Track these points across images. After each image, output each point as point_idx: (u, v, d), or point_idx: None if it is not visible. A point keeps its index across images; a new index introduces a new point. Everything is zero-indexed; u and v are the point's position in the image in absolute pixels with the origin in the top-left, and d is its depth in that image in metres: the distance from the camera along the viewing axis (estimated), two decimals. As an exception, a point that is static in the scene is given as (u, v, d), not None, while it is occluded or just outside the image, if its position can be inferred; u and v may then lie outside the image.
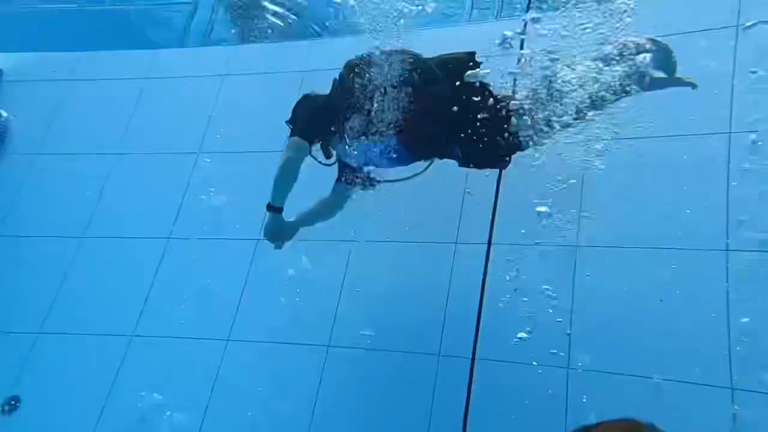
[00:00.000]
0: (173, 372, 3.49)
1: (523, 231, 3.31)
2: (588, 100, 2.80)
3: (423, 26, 3.53)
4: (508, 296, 3.11)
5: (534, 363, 3.02)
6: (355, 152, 2.94)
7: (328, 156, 3.00)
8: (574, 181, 3.30)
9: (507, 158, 2.97)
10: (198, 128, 4.21)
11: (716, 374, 2.73)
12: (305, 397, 3.28)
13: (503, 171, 2.93)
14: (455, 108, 2.82)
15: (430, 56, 2.94)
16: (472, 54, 2.91)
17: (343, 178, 3.10)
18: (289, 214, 3.07)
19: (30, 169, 4.41)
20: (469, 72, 2.83)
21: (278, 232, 3.00)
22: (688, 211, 3.08)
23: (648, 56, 2.75)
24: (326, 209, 3.16)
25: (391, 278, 3.47)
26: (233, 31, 5.11)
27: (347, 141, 2.91)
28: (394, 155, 2.92)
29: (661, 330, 2.90)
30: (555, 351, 3.00)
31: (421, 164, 3.05)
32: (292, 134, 2.95)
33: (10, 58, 4.94)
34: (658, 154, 3.27)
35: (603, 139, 3.35)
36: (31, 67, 4.88)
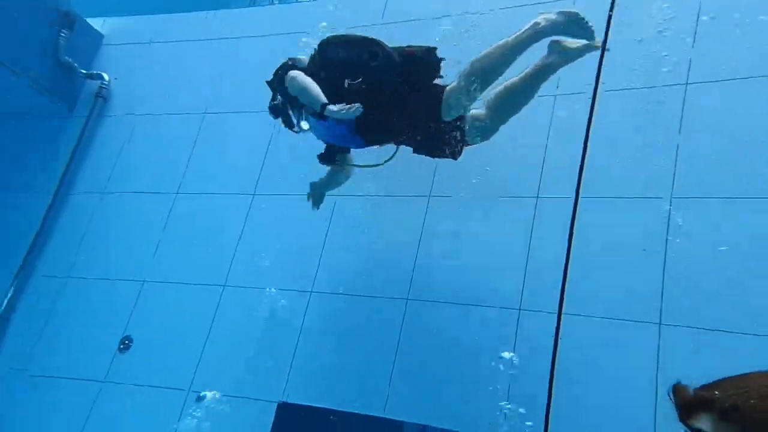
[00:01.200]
0: (261, 326, 3.67)
1: (612, 183, 3.15)
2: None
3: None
4: (596, 249, 2.99)
5: (623, 318, 2.92)
6: (308, 126, 3.09)
7: (290, 125, 3.16)
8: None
9: (456, 151, 3.09)
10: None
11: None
12: (387, 345, 3.37)
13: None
14: (405, 99, 2.92)
15: (396, 45, 3.03)
16: (433, 49, 3.00)
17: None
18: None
19: (128, 130, 4.72)
20: None
21: (315, 194, 3.32)
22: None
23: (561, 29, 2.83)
24: (333, 179, 3.39)
25: (467, 232, 3.44)
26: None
27: (303, 114, 3.05)
28: (345, 135, 3.03)
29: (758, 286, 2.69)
30: (645, 306, 2.87)
31: (389, 149, 3.18)
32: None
33: (110, 23, 5.24)
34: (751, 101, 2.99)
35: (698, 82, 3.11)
36: (126, 30, 5.16)
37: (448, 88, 2.93)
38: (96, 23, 5.19)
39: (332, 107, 2.78)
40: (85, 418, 3.81)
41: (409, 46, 3.05)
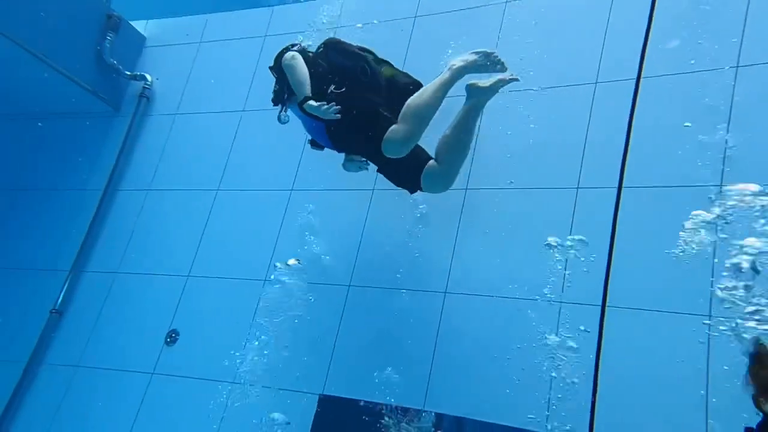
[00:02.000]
0: (302, 320, 3.71)
1: (656, 173, 3.06)
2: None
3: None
4: (639, 240, 2.91)
5: (672, 311, 2.84)
6: (287, 117, 3.22)
7: (280, 102, 3.26)
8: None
9: (411, 188, 3.20)
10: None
11: None
12: (426, 338, 3.38)
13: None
14: (374, 122, 3.02)
15: (388, 67, 3.20)
16: (418, 84, 3.16)
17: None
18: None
19: (171, 128, 4.84)
20: None
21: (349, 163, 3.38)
22: None
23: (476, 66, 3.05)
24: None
25: (505, 225, 3.40)
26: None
27: (286, 106, 3.20)
28: (320, 134, 3.16)
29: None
30: (693, 299, 2.78)
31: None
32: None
33: (152, 25, 5.39)
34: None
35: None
36: (168, 31, 5.28)
37: (390, 126, 3.02)
38: (139, 26, 5.34)
39: (312, 102, 2.94)
40: (137, 409, 3.95)
41: (397, 71, 3.21)
